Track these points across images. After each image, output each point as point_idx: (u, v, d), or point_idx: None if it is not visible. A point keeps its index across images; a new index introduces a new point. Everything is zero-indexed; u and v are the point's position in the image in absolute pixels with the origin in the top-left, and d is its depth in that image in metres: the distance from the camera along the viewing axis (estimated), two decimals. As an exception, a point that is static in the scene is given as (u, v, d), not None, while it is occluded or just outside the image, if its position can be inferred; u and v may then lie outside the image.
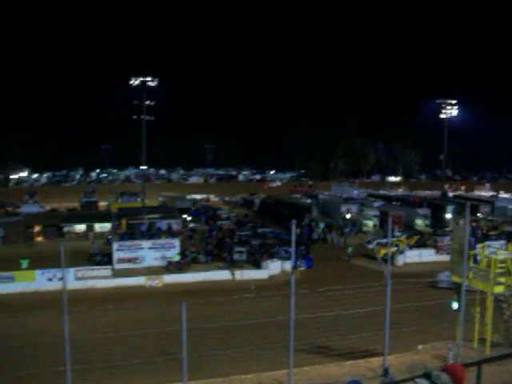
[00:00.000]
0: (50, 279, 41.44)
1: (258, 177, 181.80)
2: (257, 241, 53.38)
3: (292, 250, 20.09)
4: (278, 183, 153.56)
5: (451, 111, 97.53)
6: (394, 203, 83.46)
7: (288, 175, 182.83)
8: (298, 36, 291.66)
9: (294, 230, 19.62)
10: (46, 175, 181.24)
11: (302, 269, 46.21)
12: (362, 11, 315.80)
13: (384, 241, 49.91)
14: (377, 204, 77.87)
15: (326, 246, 58.55)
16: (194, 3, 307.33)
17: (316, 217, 68.50)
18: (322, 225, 63.95)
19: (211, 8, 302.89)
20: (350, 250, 51.70)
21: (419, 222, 69.06)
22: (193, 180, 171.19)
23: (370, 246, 52.23)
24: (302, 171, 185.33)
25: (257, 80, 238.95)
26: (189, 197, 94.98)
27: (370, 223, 67.86)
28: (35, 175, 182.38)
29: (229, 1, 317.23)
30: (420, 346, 23.93)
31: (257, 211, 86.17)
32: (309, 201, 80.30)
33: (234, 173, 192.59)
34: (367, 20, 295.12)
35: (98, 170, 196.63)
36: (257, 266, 46.76)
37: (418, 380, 12.12)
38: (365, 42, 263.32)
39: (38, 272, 42.34)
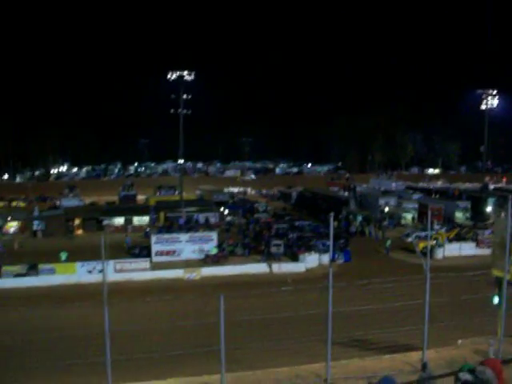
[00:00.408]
0: (89, 271, 42.12)
1: (295, 170, 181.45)
2: (294, 234, 53.30)
3: (330, 243, 19.95)
4: (253, 176, 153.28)
5: (492, 101, 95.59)
6: (433, 196, 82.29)
7: (325, 168, 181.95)
8: (331, 26, 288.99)
9: (332, 223, 19.49)
10: (85, 169, 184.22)
11: (340, 262, 45.88)
12: None
13: (423, 234, 49.26)
14: (415, 197, 76.92)
15: (364, 239, 58.03)
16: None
17: (353, 210, 68.01)
18: (359, 218, 63.49)
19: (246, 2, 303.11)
20: (388, 243, 51.15)
21: (459, 216, 67.80)
22: (230, 173, 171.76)
23: (409, 240, 51.57)
24: (340, 164, 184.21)
25: (293, 73, 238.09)
26: (226, 190, 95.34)
27: (409, 216, 66.97)
28: (75, 169, 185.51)
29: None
30: (460, 341, 23.49)
31: (294, 204, 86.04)
32: (346, 194, 79.78)
33: (271, 166, 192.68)
34: (405, 7, 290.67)
35: (136, 164, 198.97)
36: (294, 259, 46.65)
37: (461, 374, 11.91)
38: (403, 30, 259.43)
39: (78, 264, 43.12)
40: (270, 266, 44.74)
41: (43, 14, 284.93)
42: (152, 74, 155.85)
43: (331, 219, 19.24)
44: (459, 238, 52.32)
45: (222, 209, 70.15)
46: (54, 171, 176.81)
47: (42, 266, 42.94)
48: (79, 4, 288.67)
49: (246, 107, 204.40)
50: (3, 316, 27.99)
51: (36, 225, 61.27)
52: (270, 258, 46.23)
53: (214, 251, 47.78)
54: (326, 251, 44.64)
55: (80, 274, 42.48)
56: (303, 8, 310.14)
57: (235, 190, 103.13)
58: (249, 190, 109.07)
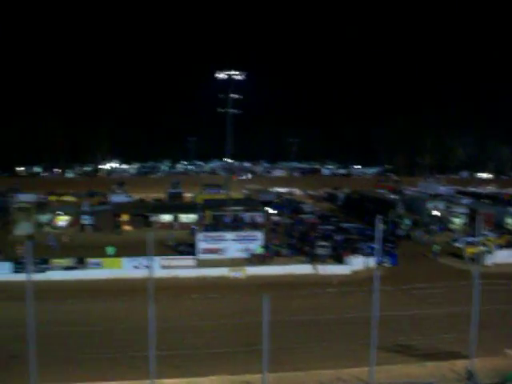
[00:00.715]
0: (136, 267, 42.68)
1: (342, 171, 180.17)
2: (340, 236, 52.95)
3: (377, 246, 19.75)
4: (249, 176, 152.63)
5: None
6: (484, 201, 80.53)
7: (373, 170, 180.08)
8: (381, 26, 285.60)
9: (379, 226, 19.27)
10: (134, 166, 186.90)
11: (386, 265, 45.34)
12: None
13: (472, 240, 48.29)
14: (465, 201, 75.36)
15: (411, 243, 57.19)
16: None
17: (401, 213, 67.13)
18: (407, 221, 62.62)
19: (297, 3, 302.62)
20: (435, 247, 50.32)
21: (510, 222, 66.19)
22: (276, 173, 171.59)
23: (458, 245, 50.65)
24: (388, 166, 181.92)
25: (342, 74, 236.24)
26: (272, 190, 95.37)
27: (458, 221, 65.67)
28: (124, 166, 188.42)
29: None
30: (508, 351, 22.97)
31: (341, 206, 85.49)
32: (394, 197, 78.84)
33: (317, 167, 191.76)
34: (461, 6, 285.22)
35: (183, 162, 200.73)
36: (339, 261, 46.34)
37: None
38: (459, 30, 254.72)
39: (124, 259, 43.83)
40: (315, 268, 44.54)
41: (102, 12, 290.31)
42: (202, 73, 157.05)
43: (379, 222, 19.03)
44: (510, 245, 51.11)
45: (268, 208, 70.18)
46: (103, 167, 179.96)
47: (89, 260, 43.86)
48: (133, 2, 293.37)
49: (294, 107, 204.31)
50: (51, 308, 28.63)
51: (85, 219, 62.53)
52: (315, 259, 46.02)
53: (260, 251, 47.87)
54: (372, 254, 44.17)
55: (126, 269, 43.17)
56: (352, 8, 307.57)
57: (282, 189, 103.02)
58: (295, 190, 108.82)
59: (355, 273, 44.12)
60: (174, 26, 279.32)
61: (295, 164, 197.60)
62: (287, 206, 77.47)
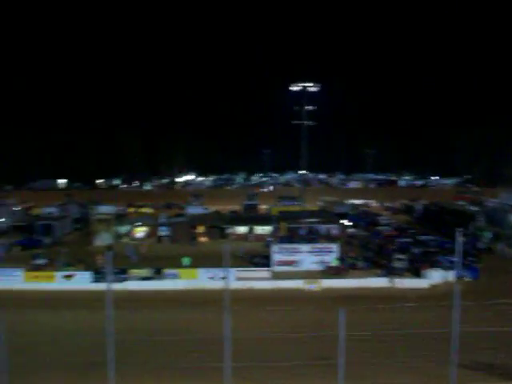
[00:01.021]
0: (211, 278, 43.23)
1: (419, 182, 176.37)
2: (418, 248, 51.75)
3: (457, 259, 19.16)
4: (271, 188, 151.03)
5: None
6: None
7: (452, 181, 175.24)
8: (461, 38, 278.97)
9: (459, 239, 18.69)
10: (210, 178, 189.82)
11: (467, 280, 43.88)
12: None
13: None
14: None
15: (493, 256, 55.14)
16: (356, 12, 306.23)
17: (482, 225, 64.96)
18: (488, 234, 60.51)
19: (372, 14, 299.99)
20: (519, 261, 48.39)
21: None
22: (352, 185, 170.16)
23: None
24: (467, 177, 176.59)
25: (419, 83, 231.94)
26: (348, 202, 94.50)
27: (543, 234, 62.91)
28: (200, 178, 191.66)
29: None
30: None
31: (418, 218, 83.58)
32: (474, 208, 76.42)
33: (394, 178, 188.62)
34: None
35: (259, 174, 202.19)
36: (417, 274, 45.20)
37: None
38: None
39: (200, 271, 44.42)
40: (391, 281, 43.63)
41: (182, 28, 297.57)
42: (276, 86, 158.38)
43: (458, 234, 18.47)
44: None
45: (343, 220, 69.53)
46: (180, 180, 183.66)
47: (166, 271, 44.74)
48: (209, 18, 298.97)
49: (370, 118, 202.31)
50: (129, 317, 29.32)
51: (162, 231, 63.92)
52: (391, 272, 45.12)
53: (335, 263, 47.46)
54: (451, 268, 42.95)
55: (202, 279, 43.78)
56: (432, 17, 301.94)
57: (357, 201, 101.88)
58: (371, 202, 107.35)
59: (433, 287, 42.89)
60: (250, 40, 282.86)
61: (371, 175, 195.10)
62: (363, 218, 76.56)
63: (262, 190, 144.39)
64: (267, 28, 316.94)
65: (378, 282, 43.54)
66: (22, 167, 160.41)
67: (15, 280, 44.38)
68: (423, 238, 58.31)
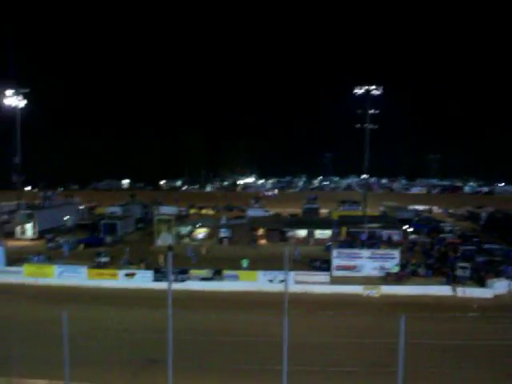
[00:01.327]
0: (270, 280, 43.25)
1: (485, 189, 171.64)
2: (482, 257, 50.32)
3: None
4: (275, 192, 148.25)
5: None
6: None
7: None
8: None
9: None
10: (271, 181, 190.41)
11: (535, 291, 42.35)
12: None
13: None
14: None
15: None
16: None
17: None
18: (559, 244, 58.34)
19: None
20: None
21: None
22: (415, 190, 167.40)
23: None
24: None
25: (487, 86, 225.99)
26: (410, 207, 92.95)
27: None
28: (261, 181, 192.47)
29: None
30: None
31: (483, 225, 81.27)
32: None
33: (459, 184, 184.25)
34: None
35: (320, 178, 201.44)
36: (481, 284, 43.92)
37: None
38: None
39: (260, 273, 44.49)
40: (454, 290, 42.55)
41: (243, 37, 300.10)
42: (339, 89, 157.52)
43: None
44: None
45: (405, 226, 68.39)
46: (241, 182, 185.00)
47: (226, 272, 45.04)
48: (272, 23, 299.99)
49: (435, 123, 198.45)
50: (189, 316, 29.55)
51: (223, 232, 64.46)
52: (454, 280, 44.01)
53: (396, 269, 46.69)
54: (517, 278, 41.58)
55: (261, 282, 43.87)
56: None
57: (420, 207, 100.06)
58: (435, 208, 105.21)
59: (498, 297, 41.56)
60: (312, 43, 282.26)
61: (435, 181, 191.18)
62: (426, 224, 75.06)
63: (265, 194, 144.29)
64: (330, 31, 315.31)
65: (440, 291, 42.55)
66: (88, 167, 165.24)
67: (79, 277, 45.74)
68: (488, 246, 56.56)
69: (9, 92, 68.04)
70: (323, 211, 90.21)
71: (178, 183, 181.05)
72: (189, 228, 66.74)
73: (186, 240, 63.90)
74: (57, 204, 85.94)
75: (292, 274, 42.30)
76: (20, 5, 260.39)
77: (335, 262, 48.02)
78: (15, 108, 68.37)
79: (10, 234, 67.92)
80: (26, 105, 69.20)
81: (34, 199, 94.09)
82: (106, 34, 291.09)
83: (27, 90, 69.15)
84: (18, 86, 68.61)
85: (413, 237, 65.80)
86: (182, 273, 44.26)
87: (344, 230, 64.62)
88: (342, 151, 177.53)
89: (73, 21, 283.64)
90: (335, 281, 44.94)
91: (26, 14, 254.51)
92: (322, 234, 64.12)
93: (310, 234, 64.19)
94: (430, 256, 53.79)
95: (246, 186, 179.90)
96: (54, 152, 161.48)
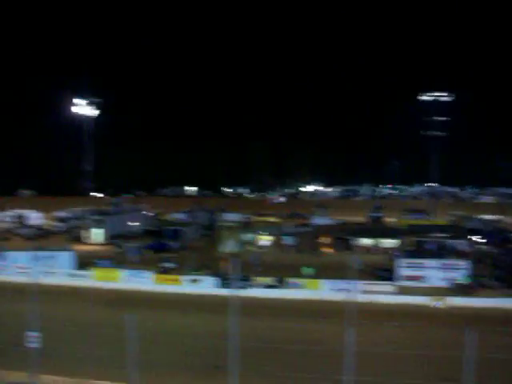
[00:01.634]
0: (334, 290, 42.84)
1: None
2: (557, 269, 48.49)
3: None
4: (281, 199, 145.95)
5: None
6: None
7: None
8: None
9: None
10: (336, 189, 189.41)
11: None
12: None
13: None
14: None
15: None
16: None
17: None
18: None
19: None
20: None
21: None
22: (484, 199, 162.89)
23: None
24: None
25: None
26: (479, 217, 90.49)
27: None
28: (327, 189, 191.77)
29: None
30: None
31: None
32: None
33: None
34: None
35: (386, 186, 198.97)
36: (555, 297, 42.26)
37: None
38: None
39: (324, 282, 44.21)
40: (524, 303, 41.06)
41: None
42: (405, 96, 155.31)
43: None
44: None
45: (474, 237, 66.57)
46: (305, 190, 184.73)
47: (289, 280, 44.94)
48: (336, 32, 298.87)
49: (504, 129, 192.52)
50: (251, 323, 29.75)
51: (286, 240, 64.44)
52: (526, 293, 42.53)
53: (464, 281, 45.51)
54: None
55: (325, 291, 43.55)
56: None
57: (490, 217, 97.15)
58: (505, 218, 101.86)
59: None
60: (379, 50, 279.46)
61: (506, 190, 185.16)
62: (496, 234, 72.83)
63: (272, 201, 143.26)
64: (396, 38, 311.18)
65: (511, 303, 41.13)
66: (154, 174, 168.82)
67: (146, 282, 46.68)
68: None
69: (82, 102, 70.30)
70: (389, 220, 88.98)
71: (244, 191, 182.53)
72: (253, 235, 67.07)
73: (250, 247, 64.22)
74: (125, 210, 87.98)
75: (357, 283, 41.87)
76: (96, 17, 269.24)
77: (401, 271, 47.26)
78: (88, 117, 70.55)
79: (80, 239, 70.07)
80: (99, 115, 71.33)
81: (102, 205, 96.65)
82: (175, 46, 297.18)
83: (100, 100, 71.31)
84: (91, 97, 70.82)
85: (482, 247, 64.06)
86: (246, 280, 44.45)
87: (411, 239, 63.52)
88: (408, 159, 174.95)
89: (143, 33, 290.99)
90: (401, 291, 44.24)
91: (99, 28, 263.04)
92: (388, 242, 63.23)
93: (376, 243, 63.38)
94: (500, 268, 52.20)
95: (311, 193, 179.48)
96: (122, 159, 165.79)
